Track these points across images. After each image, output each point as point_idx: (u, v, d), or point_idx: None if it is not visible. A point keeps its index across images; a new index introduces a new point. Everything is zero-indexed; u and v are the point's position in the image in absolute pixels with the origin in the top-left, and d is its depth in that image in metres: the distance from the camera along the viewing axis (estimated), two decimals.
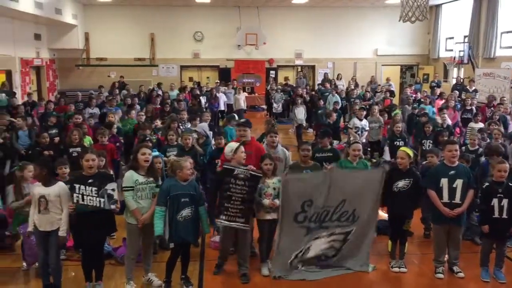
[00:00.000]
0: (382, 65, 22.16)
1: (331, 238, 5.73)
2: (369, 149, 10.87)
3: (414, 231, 6.74)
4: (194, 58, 21.49)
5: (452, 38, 19.87)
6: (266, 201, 5.57)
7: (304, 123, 13.93)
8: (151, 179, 5.20)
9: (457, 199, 5.50)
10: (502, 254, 5.67)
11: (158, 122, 9.73)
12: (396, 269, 5.84)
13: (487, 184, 5.63)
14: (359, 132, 10.55)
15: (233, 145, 5.87)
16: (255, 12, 20.79)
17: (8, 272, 5.80)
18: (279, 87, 19.27)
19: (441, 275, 5.67)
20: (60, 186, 4.98)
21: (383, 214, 6.19)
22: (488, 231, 5.53)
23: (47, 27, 19.03)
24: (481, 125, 10.21)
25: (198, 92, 16.76)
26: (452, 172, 5.53)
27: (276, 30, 21.11)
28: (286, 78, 21.37)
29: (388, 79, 19.50)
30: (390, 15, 19.94)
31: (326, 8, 21.10)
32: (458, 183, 5.49)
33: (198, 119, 9.92)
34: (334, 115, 11.53)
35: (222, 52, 21.27)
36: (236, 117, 10.46)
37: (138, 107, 12.70)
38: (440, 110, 11.28)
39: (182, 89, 17.37)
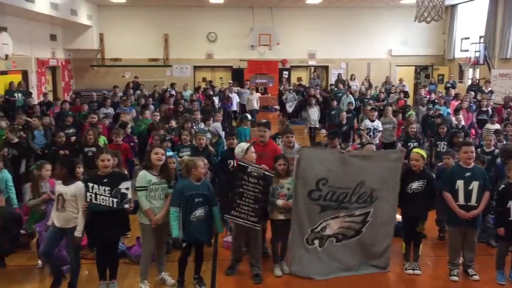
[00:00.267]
0: (396, 65, 22.02)
1: (350, 219, 5.71)
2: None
3: (428, 233, 6.69)
4: (207, 58, 21.57)
5: (468, 38, 19.65)
6: (280, 202, 5.57)
7: (318, 124, 13.89)
8: (164, 179, 5.23)
9: (473, 201, 5.44)
10: None
11: (173, 123, 9.78)
12: (410, 271, 5.79)
13: (503, 186, 5.56)
14: (371, 134, 10.48)
15: (243, 145, 5.88)
16: (268, 13, 20.80)
17: (24, 270, 5.88)
18: (291, 87, 19.26)
19: (455, 278, 5.61)
20: (77, 186, 5.02)
21: (397, 216, 6.14)
22: (504, 234, 5.46)
23: (62, 28, 19.25)
24: (497, 126, 10.08)
25: (211, 92, 16.81)
26: (468, 174, 5.47)
27: (290, 30, 21.10)
28: (299, 79, 21.34)
29: (401, 80, 19.36)
30: (404, 15, 19.82)
31: (340, 8, 21.02)
32: (474, 185, 5.43)
33: (212, 119, 9.96)
34: (345, 116, 11.48)
35: (235, 52, 21.32)
36: (249, 117, 10.48)
37: (152, 107, 12.79)
38: (456, 111, 11.17)
39: (196, 89, 17.45)
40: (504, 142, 8.32)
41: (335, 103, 14.01)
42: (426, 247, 6.34)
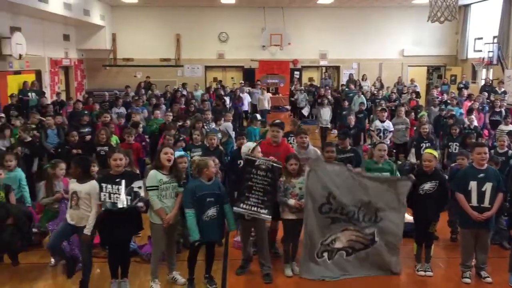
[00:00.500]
0: (409, 66, 21.87)
1: (359, 233, 5.70)
2: (394, 151, 10.72)
3: (440, 235, 6.65)
4: (218, 58, 21.62)
5: (481, 38, 19.45)
6: (292, 201, 5.57)
7: (329, 125, 13.85)
8: (174, 178, 5.25)
9: (486, 203, 5.39)
10: None
11: (188, 122, 9.82)
12: (422, 273, 5.75)
13: None
14: (381, 134, 10.43)
15: (250, 144, 5.90)
16: (280, 13, 20.79)
17: (37, 267, 5.93)
18: (302, 88, 19.22)
19: (468, 280, 5.56)
20: (91, 184, 5.06)
21: (408, 217, 6.10)
22: None
23: (75, 28, 19.41)
24: (511, 127, 9.98)
25: (222, 92, 16.83)
26: (481, 175, 5.42)
27: (301, 30, 21.07)
28: (310, 79, 21.30)
29: (412, 80, 19.23)
30: (417, 15, 19.70)
31: (351, 8, 20.94)
32: (487, 186, 5.37)
33: (223, 119, 9.99)
34: (353, 120, 11.42)
35: (246, 52, 21.33)
36: (259, 117, 10.47)
37: (163, 107, 12.86)
38: (469, 111, 11.07)
39: (207, 89, 17.49)
40: None
41: (346, 103, 13.97)
42: (438, 249, 6.30)
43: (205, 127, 9.45)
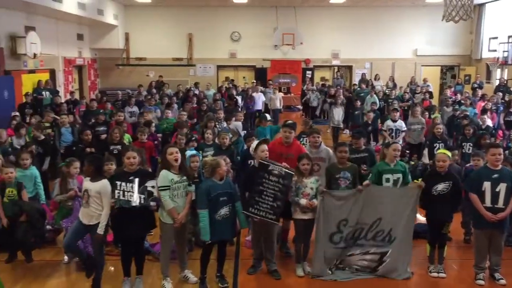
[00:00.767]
0: (422, 65, 21.71)
1: (365, 257, 5.70)
2: (407, 151, 10.65)
3: (454, 236, 6.59)
4: (230, 58, 21.65)
5: (496, 38, 19.24)
6: (303, 201, 5.56)
7: (341, 124, 13.80)
8: (184, 177, 5.26)
9: (500, 204, 5.32)
10: None
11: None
12: (435, 274, 5.71)
13: None
14: (393, 134, 10.36)
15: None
16: (292, 12, 20.76)
17: (50, 264, 5.99)
18: (314, 88, 19.16)
19: (481, 282, 5.50)
20: (102, 183, 5.08)
21: (421, 218, 6.06)
22: None
23: (89, 28, 19.58)
24: None
25: (234, 92, 16.84)
26: (496, 175, 5.35)
27: (313, 30, 21.01)
28: (322, 78, 21.24)
29: (425, 80, 19.07)
30: (430, 14, 19.55)
31: (364, 7, 20.84)
32: (502, 187, 5.30)
33: (234, 118, 10.01)
34: (371, 116, 11.38)
35: (258, 52, 21.34)
36: (268, 117, 10.46)
37: (175, 106, 12.92)
38: (483, 111, 10.95)
39: (218, 88, 17.52)
40: None
41: (358, 103, 13.90)
42: (451, 250, 6.24)
43: (217, 126, 9.48)
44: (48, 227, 6.46)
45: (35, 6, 12.89)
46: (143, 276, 5.40)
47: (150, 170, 6.53)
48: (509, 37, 17.94)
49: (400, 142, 10.03)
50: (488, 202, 5.36)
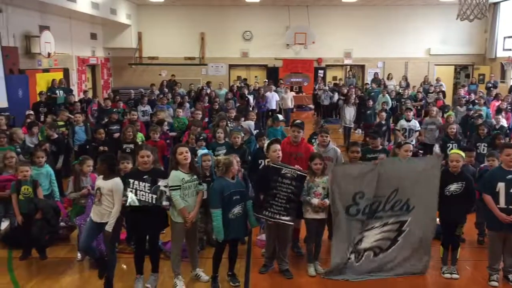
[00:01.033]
0: (435, 64, 21.52)
1: (385, 228, 5.63)
2: (421, 151, 10.56)
3: (467, 237, 6.55)
4: (242, 57, 21.66)
5: (511, 37, 19.02)
6: (315, 200, 5.56)
7: (353, 124, 13.74)
8: (195, 176, 5.28)
9: None
10: None
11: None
12: (448, 275, 5.66)
13: None
14: (406, 134, 10.29)
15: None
16: (304, 11, 20.71)
17: (64, 262, 6.06)
18: (326, 87, 19.09)
19: (495, 283, 5.45)
20: (114, 182, 5.10)
21: None
22: None
23: (102, 27, 19.72)
24: None
25: (246, 91, 16.84)
26: (510, 176, 5.29)
27: (325, 29, 20.93)
28: (335, 78, 21.15)
29: (438, 79, 18.90)
30: (444, 13, 19.39)
31: (376, 6, 20.72)
32: None
33: (243, 118, 10.02)
34: (384, 116, 11.31)
35: (270, 51, 21.33)
36: (280, 118, 10.44)
37: (187, 105, 12.97)
38: (497, 111, 10.83)
39: (230, 88, 17.54)
40: None
41: (371, 102, 13.83)
42: (465, 251, 6.20)
43: (229, 125, 9.49)
44: (62, 223, 6.53)
45: (49, 6, 13.02)
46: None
47: (162, 169, 6.56)
48: None
49: (413, 142, 9.97)
50: (502, 203, 5.31)
